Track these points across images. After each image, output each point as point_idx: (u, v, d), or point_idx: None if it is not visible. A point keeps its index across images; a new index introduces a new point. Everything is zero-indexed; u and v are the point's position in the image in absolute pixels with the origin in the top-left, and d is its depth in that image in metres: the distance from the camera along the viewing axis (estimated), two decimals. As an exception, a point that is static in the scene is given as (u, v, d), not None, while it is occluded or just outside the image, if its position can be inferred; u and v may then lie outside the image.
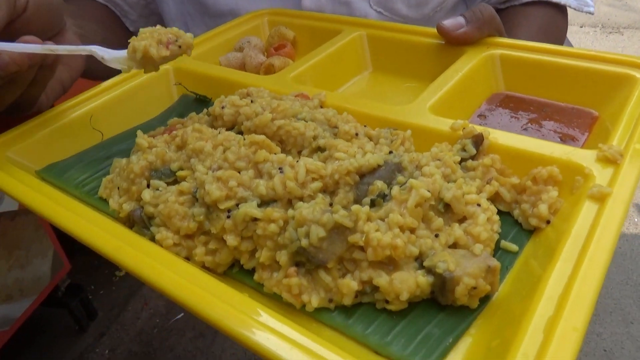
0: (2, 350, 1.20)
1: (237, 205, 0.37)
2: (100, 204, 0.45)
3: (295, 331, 0.29)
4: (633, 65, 0.50)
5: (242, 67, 0.66)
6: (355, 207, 0.35)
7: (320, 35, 0.67)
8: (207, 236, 0.38)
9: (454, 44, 0.59)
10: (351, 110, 0.50)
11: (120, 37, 0.47)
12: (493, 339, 0.31)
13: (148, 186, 0.42)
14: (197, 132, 0.43)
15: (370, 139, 0.46)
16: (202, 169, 0.39)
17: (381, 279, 0.33)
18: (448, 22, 0.58)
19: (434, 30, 0.60)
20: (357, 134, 0.45)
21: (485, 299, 0.34)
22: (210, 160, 0.40)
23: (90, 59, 0.55)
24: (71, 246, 1.36)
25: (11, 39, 0.43)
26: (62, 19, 0.52)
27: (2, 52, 0.41)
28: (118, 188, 0.44)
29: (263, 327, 0.29)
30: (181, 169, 0.42)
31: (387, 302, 0.34)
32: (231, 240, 0.36)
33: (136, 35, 0.47)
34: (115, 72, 0.59)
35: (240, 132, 0.46)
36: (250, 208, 0.36)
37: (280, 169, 0.38)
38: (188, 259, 0.38)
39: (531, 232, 0.39)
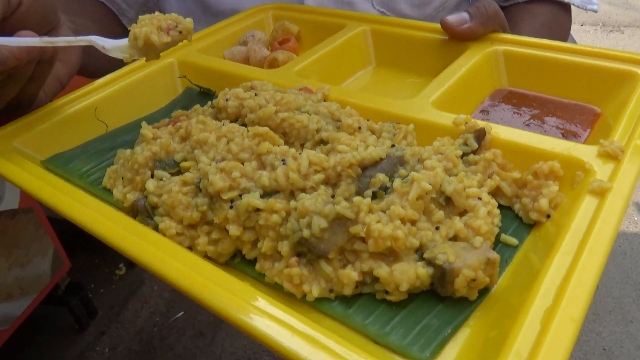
0: (3, 348, 1.20)
1: (240, 195, 0.38)
2: (104, 194, 0.45)
3: (296, 319, 0.29)
4: (636, 62, 0.50)
5: (246, 61, 0.66)
6: (356, 198, 0.35)
7: (324, 30, 0.67)
8: (209, 226, 0.39)
9: (458, 40, 0.59)
10: (354, 104, 0.50)
11: (116, 34, 0.47)
12: (491, 330, 0.31)
13: (152, 177, 0.42)
14: (201, 124, 0.44)
15: (373, 132, 0.46)
16: (206, 160, 0.40)
17: (381, 270, 0.34)
18: (452, 18, 0.58)
19: (438, 25, 0.60)
20: (359, 128, 0.45)
21: (484, 291, 0.34)
22: (213, 151, 0.41)
23: (86, 55, 0.56)
24: (71, 245, 1.36)
25: (6, 35, 0.43)
26: (57, 14, 0.51)
27: (1, 47, 0.41)
28: (122, 178, 0.44)
29: (264, 314, 0.30)
30: (185, 159, 0.42)
31: (387, 292, 0.34)
32: (234, 230, 0.37)
33: None
34: (109, 69, 0.59)
35: (244, 125, 0.46)
36: (253, 199, 0.36)
37: (283, 160, 0.39)
38: (190, 248, 0.39)
39: (531, 226, 0.39)
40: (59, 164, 0.49)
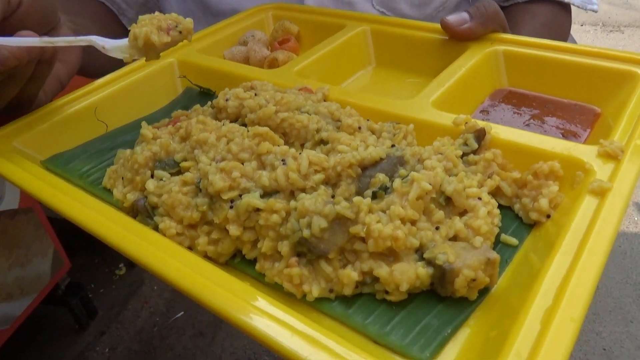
0: (3, 348, 1.20)
1: (240, 195, 0.38)
2: (104, 194, 0.45)
3: (296, 319, 0.29)
4: (636, 62, 0.50)
5: (246, 60, 0.66)
6: (356, 198, 0.35)
7: (324, 30, 0.67)
8: (209, 226, 0.39)
9: (458, 40, 0.59)
10: (354, 104, 0.50)
11: (116, 34, 0.47)
12: (491, 330, 0.31)
13: (152, 177, 0.42)
14: (201, 124, 0.44)
15: (373, 132, 0.46)
16: (206, 160, 0.40)
17: (381, 270, 0.34)
18: (452, 18, 0.58)
19: (438, 25, 0.60)
20: (359, 128, 0.45)
21: (484, 291, 0.34)
22: (213, 151, 0.41)
23: (86, 55, 0.56)
24: (71, 245, 1.36)
25: (6, 35, 0.43)
26: (57, 14, 0.51)
27: (1, 47, 0.41)
28: (122, 178, 0.44)
29: (264, 314, 0.30)
30: (185, 159, 0.42)
31: (387, 292, 0.34)
32: (234, 230, 0.37)
33: None
34: (109, 69, 0.59)
35: (244, 125, 0.46)
36: (253, 198, 0.36)
37: (283, 160, 0.39)
38: (190, 248, 0.39)
39: (531, 226, 0.39)
40: (59, 164, 0.49)
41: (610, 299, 1.52)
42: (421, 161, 0.40)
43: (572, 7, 0.81)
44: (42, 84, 0.49)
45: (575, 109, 0.52)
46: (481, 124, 0.44)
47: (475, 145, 0.42)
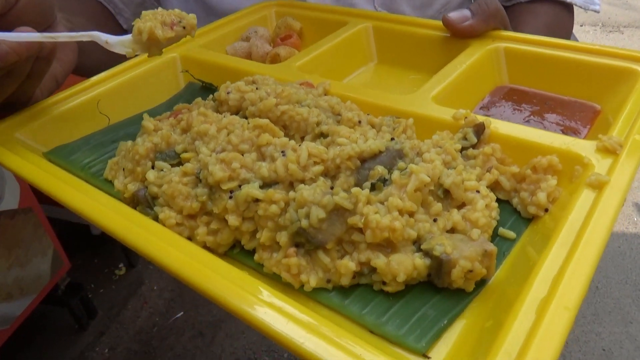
0: (2, 348, 1.20)
1: (240, 186, 0.38)
2: (106, 186, 0.46)
3: (292, 307, 0.30)
4: (636, 60, 0.50)
5: (249, 56, 0.67)
6: (355, 189, 0.35)
7: (326, 26, 0.68)
8: (209, 216, 0.39)
9: (459, 37, 0.59)
10: (355, 99, 0.50)
11: (112, 34, 0.47)
12: (487, 320, 0.31)
13: (153, 168, 0.43)
14: (202, 116, 0.44)
15: (373, 126, 0.46)
16: (206, 151, 0.40)
17: (379, 260, 0.34)
18: (454, 15, 0.59)
19: (440, 23, 0.61)
20: (359, 122, 0.45)
21: (481, 283, 0.35)
22: (214, 142, 0.41)
23: (81, 54, 0.56)
24: (71, 245, 1.37)
25: (4, 31, 0.42)
26: (54, 11, 0.51)
27: (0, 42, 0.40)
28: (123, 169, 0.44)
29: (261, 302, 0.30)
30: (185, 151, 0.43)
31: (384, 283, 0.34)
32: (233, 220, 0.37)
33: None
34: (104, 68, 0.59)
35: (245, 118, 0.47)
36: (252, 189, 0.37)
37: (282, 152, 0.39)
38: (190, 239, 0.39)
39: (529, 220, 0.40)
40: (61, 156, 0.50)
41: (610, 300, 1.52)
42: (420, 154, 0.40)
43: (574, 7, 0.81)
44: (40, 82, 0.49)
45: (576, 106, 0.52)
46: (481, 118, 0.44)
47: (475, 140, 0.43)
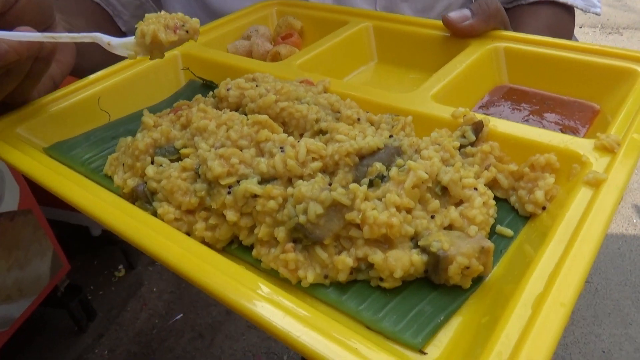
0: (2, 350, 1.20)
1: (238, 181, 0.38)
2: (105, 181, 0.46)
3: (290, 301, 0.30)
4: (635, 60, 0.50)
5: (250, 54, 0.67)
6: (353, 185, 0.36)
7: (327, 26, 0.68)
8: (207, 212, 0.39)
9: (460, 37, 0.59)
10: (354, 96, 0.50)
11: (111, 36, 0.46)
12: (483, 317, 0.31)
13: (152, 163, 0.43)
14: (202, 112, 0.44)
15: (372, 124, 0.46)
16: (205, 147, 0.40)
17: (376, 256, 0.34)
18: (454, 14, 0.59)
19: (440, 23, 0.61)
20: (358, 119, 0.46)
21: (478, 280, 0.35)
22: (213, 138, 0.41)
23: (79, 55, 0.56)
24: (70, 247, 1.37)
25: (4, 30, 0.42)
26: (53, 12, 0.51)
27: (1, 40, 0.40)
28: (123, 165, 0.45)
29: (259, 296, 0.30)
30: (185, 146, 0.43)
31: (381, 279, 0.34)
32: (231, 215, 0.37)
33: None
34: (101, 70, 0.59)
35: (245, 114, 0.47)
36: (251, 184, 0.37)
37: (281, 148, 0.39)
38: (188, 234, 0.39)
39: (527, 218, 0.40)
40: (61, 152, 0.50)
41: (610, 302, 1.52)
42: (418, 151, 0.40)
43: (575, 9, 0.81)
44: (38, 82, 0.49)
45: (575, 105, 0.52)
46: (479, 117, 0.44)
47: (473, 138, 0.43)
